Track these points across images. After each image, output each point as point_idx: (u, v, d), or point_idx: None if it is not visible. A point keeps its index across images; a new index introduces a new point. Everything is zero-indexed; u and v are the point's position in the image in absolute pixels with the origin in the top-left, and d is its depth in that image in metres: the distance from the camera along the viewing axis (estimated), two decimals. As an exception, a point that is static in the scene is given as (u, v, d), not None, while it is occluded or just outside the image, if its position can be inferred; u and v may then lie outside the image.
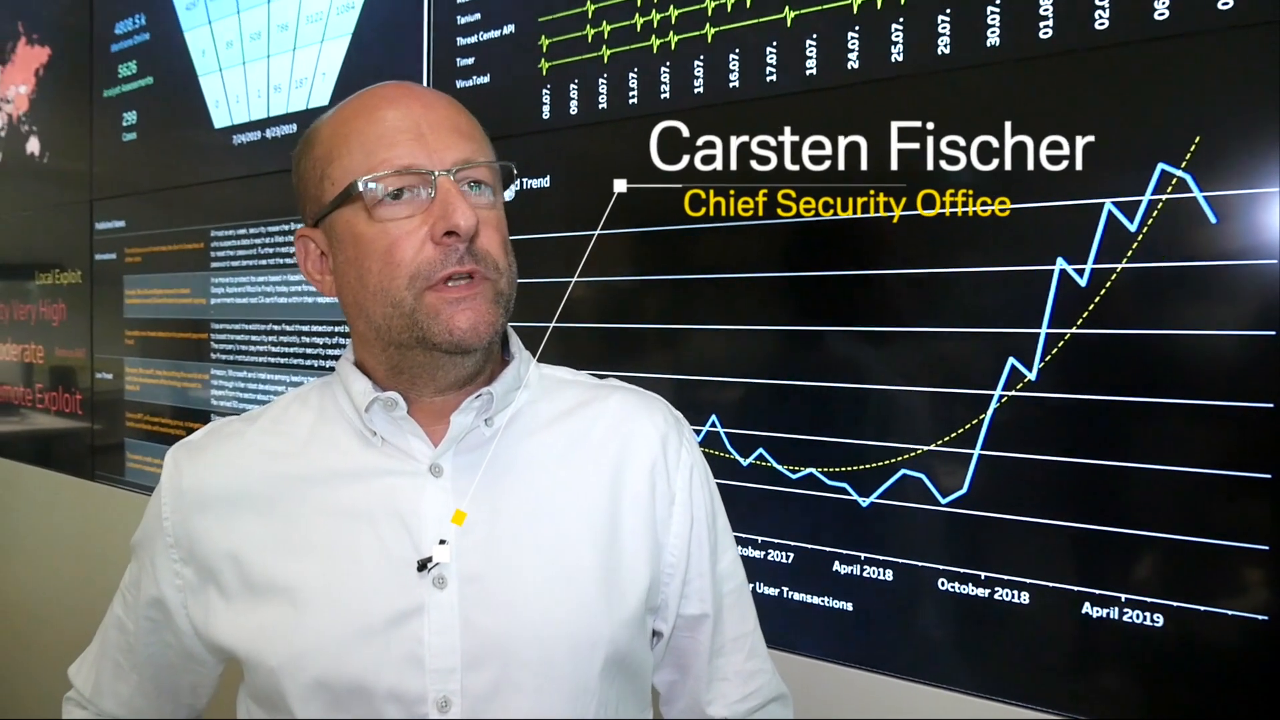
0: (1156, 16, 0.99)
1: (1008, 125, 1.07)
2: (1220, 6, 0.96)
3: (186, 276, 2.14)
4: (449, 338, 0.73)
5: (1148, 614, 0.99)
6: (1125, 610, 1.00)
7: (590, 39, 1.43)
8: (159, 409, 2.23)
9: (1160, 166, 0.98)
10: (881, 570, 1.18)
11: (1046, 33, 1.05)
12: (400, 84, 0.78)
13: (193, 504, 0.81)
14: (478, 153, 0.76)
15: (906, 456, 1.15)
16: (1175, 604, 0.98)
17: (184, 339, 2.15)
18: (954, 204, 1.11)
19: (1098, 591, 1.02)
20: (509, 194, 0.78)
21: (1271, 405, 0.92)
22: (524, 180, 1.51)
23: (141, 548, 0.86)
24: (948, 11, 1.11)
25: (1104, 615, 1.02)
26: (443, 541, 0.75)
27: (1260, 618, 0.93)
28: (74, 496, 2.46)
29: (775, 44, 1.25)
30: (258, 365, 1.98)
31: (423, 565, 0.74)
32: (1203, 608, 0.96)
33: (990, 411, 1.09)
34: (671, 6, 1.34)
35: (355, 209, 0.74)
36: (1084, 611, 1.03)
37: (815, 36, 1.22)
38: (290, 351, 1.91)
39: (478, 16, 1.58)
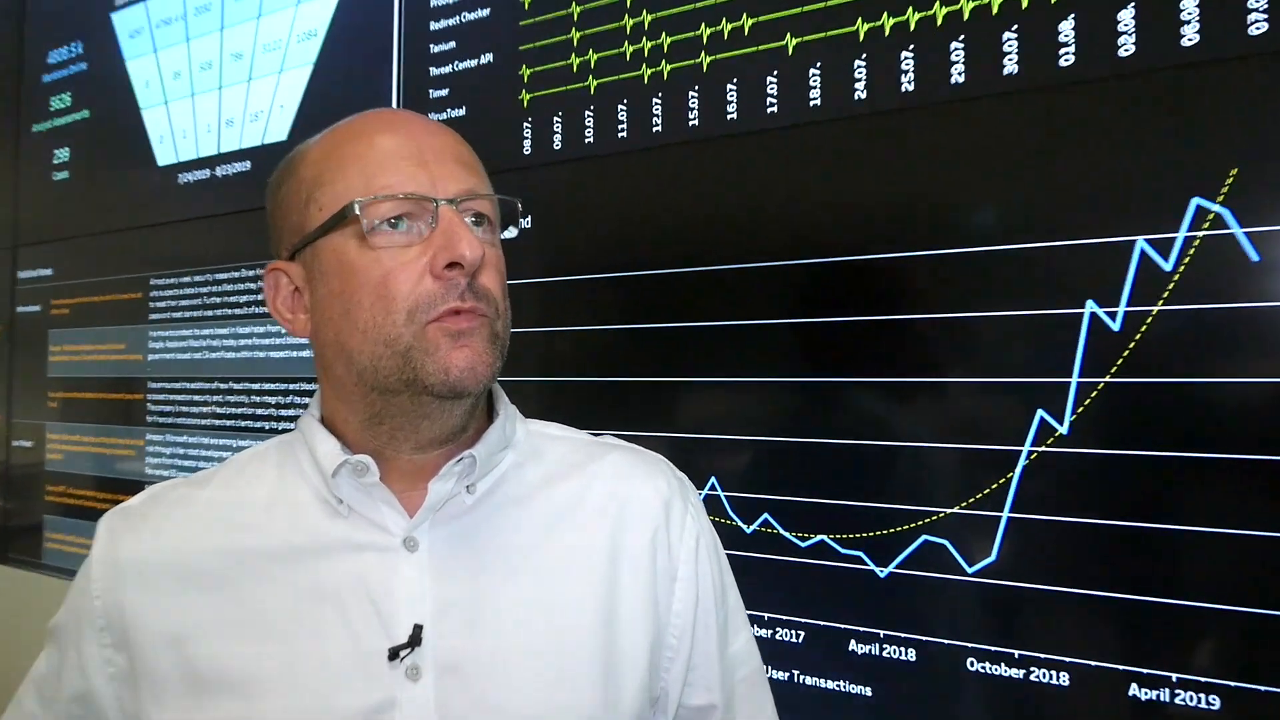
0: (1185, 43, 1.03)
1: (1028, 158, 1.11)
2: (1252, 31, 1.00)
3: (121, 330, 2.12)
4: (444, 378, 0.72)
5: (1202, 695, 0.99)
6: (1177, 692, 1.00)
7: (576, 68, 1.46)
8: (84, 481, 2.19)
9: (1195, 201, 1.00)
10: (903, 649, 1.17)
11: (1068, 60, 1.09)
12: (398, 110, 0.79)
13: (130, 579, 0.78)
14: (480, 185, 0.78)
15: (927, 521, 1.15)
16: (1232, 684, 0.97)
17: (116, 400, 2.13)
18: (974, 243, 1.14)
19: (1146, 671, 1.01)
20: (511, 232, 0.79)
21: (1328, 459, 0.94)
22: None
23: (64, 632, 0.82)
24: (961, 39, 1.15)
25: (1153, 698, 1.01)
26: (418, 626, 0.74)
27: (1326, 697, 0.94)
28: (-17, 581, 2.42)
29: (776, 73, 1.29)
30: (200, 429, 1.96)
31: (395, 654, 0.73)
32: (1263, 688, 0.96)
33: (1019, 470, 1.09)
34: (663, 34, 1.38)
35: (346, 236, 0.74)
36: (1131, 694, 1.02)
37: (819, 65, 1.25)
38: (238, 413, 1.89)
39: (453, 45, 1.61)
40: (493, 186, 0.80)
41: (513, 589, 0.77)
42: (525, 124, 1.51)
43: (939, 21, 1.17)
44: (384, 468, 0.77)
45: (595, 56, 1.44)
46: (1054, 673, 1.07)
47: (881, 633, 1.19)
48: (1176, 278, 1.01)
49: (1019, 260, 1.10)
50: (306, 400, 1.82)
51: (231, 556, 0.78)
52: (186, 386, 1.99)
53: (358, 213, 0.73)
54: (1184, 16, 1.03)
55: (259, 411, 1.86)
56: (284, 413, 1.83)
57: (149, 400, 2.05)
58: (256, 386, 1.87)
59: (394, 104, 1.69)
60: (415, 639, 0.73)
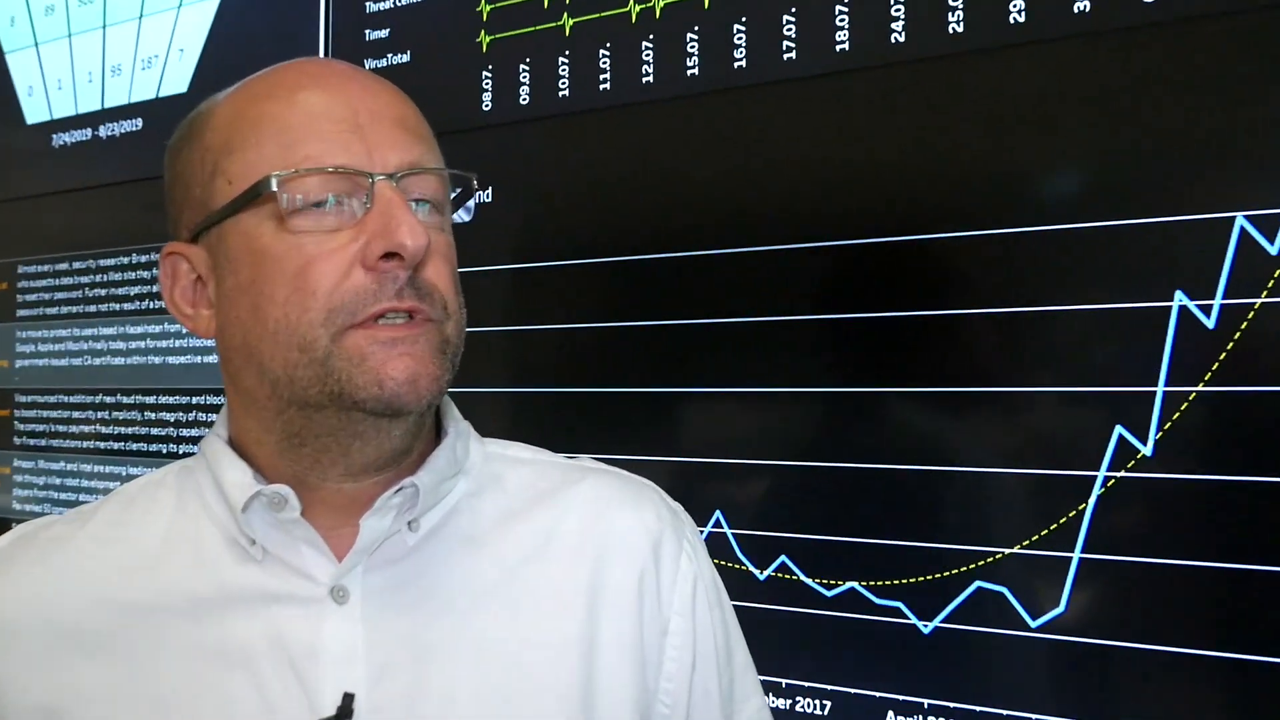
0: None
1: (1103, 117, 1.12)
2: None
3: (-22, 330, 2.14)
4: (378, 392, 0.71)
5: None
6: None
7: (547, 4, 1.46)
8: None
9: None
10: (953, 722, 1.19)
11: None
12: (326, 60, 0.77)
13: None
14: (427, 156, 0.77)
15: (982, 564, 1.16)
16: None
17: (-28, 417, 2.14)
18: (1035, 220, 1.15)
19: (1251, 745, 1.04)
20: (464, 214, 0.79)
21: None
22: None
23: None
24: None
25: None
26: (349, 696, 0.73)
27: None
28: None
29: (794, 11, 1.29)
30: (81, 453, 1.94)
31: (320, 730, 0.73)
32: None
33: (1093, 499, 1.11)
34: (655, -38, 1.40)
35: (260, 216, 0.74)
36: (1233, 774, 1.05)
37: (847, 2, 1.26)
38: (128, 433, 1.88)
39: (394, -25, 1.63)
40: (444, 157, 0.80)
41: (467, 646, 0.77)
42: (485, 73, 1.51)
43: (992, -52, 1.18)
44: (307, 500, 0.76)
45: (572, -10, 1.46)
46: (1138, 750, 1.09)
47: (926, 702, 1.19)
48: (1285, 263, 1.03)
49: (1091, 242, 1.12)
50: (212, 418, 1.81)
51: (118, 611, 0.77)
52: (63, 400, 1.97)
53: (274, 189, 0.72)
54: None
55: (154, 431, 1.85)
56: (185, 432, 1.82)
57: (16, 418, 2.04)
58: (151, 400, 1.86)
59: (321, 51, 1.69)
60: (345, 711, 0.73)
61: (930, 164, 1.21)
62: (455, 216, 0.84)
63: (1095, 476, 1.11)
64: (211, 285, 0.78)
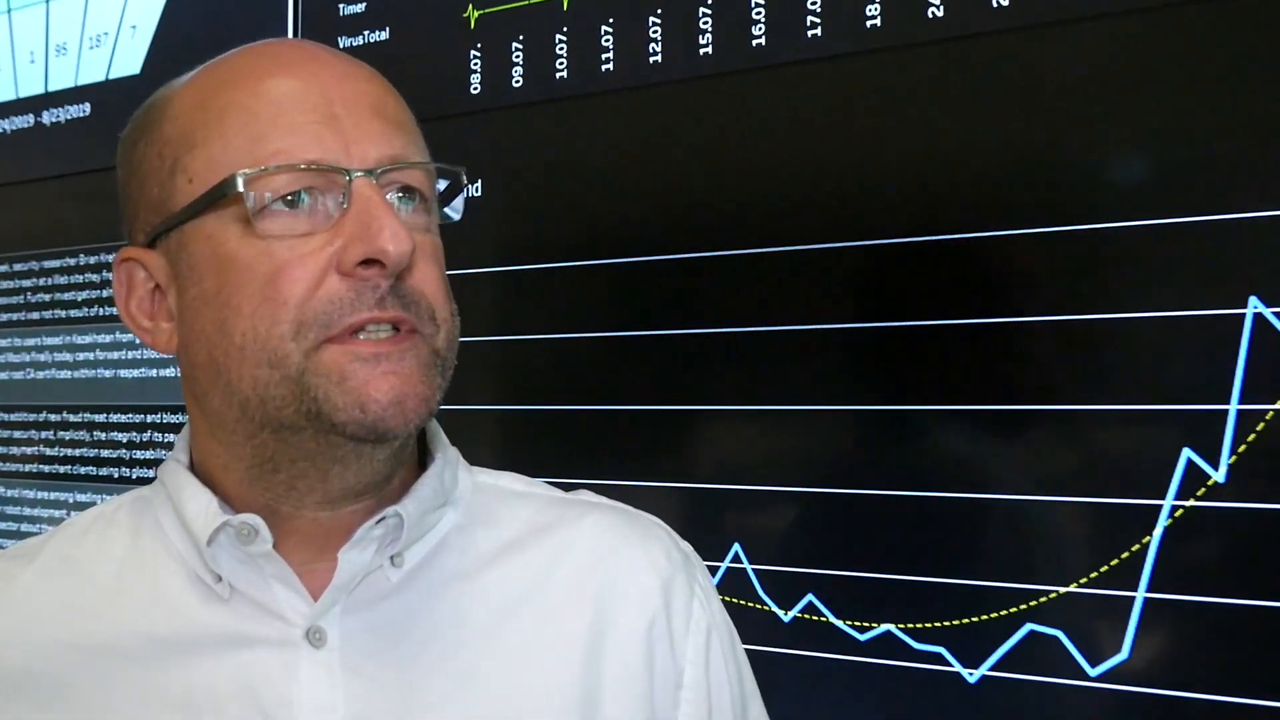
0: None
1: (1169, 97, 1.10)
2: None
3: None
4: (360, 415, 0.71)
5: None
6: None
7: (543, -25, 1.46)
8: None
9: None
10: (1003, 784, 1.16)
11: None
12: (296, 41, 0.77)
13: None
14: (411, 149, 0.77)
15: (1034, 604, 1.15)
16: None
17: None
18: (1091, 217, 1.13)
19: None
20: (453, 214, 0.79)
21: None
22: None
23: None
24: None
25: None
26: None
27: None
28: None
29: (820, -18, 1.28)
30: (22, 479, 1.93)
31: (294, 788, 0.72)
32: None
33: (1158, 532, 1.09)
34: (664, -74, 1.37)
35: (225, 219, 0.73)
36: None
37: (880, -27, 1.24)
38: (75, 455, 1.87)
39: (370, -58, 1.61)
40: (429, 149, 0.80)
41: (456, 696, 0.77)
42: (473, 52, 1.49)
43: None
44: (278, 531, 0.76)
45: (571, -42, 1.44)
46: (1215, 817, 1.05)
47: (973, 761, 1.17)
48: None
49: (1155, 241, 1.10)
50: (170, 438, 1.79)
51: (69, 654, 0.77)
52: (2, 419, 1.97)
53: (240, 189, 0.72)
54: None
55: (104, 454, 1.84)
56: (139, 454, 1.81)
57: (-54, 438, 2.04)
58: (101, 418, 1.85)
59: (290, 28, 1.67)
60: None
61: (974, 154, 1.20)
62: (445, 213, 0.83)
63: (1161, 506, 1.10)
64: (172, 295, 0.78)
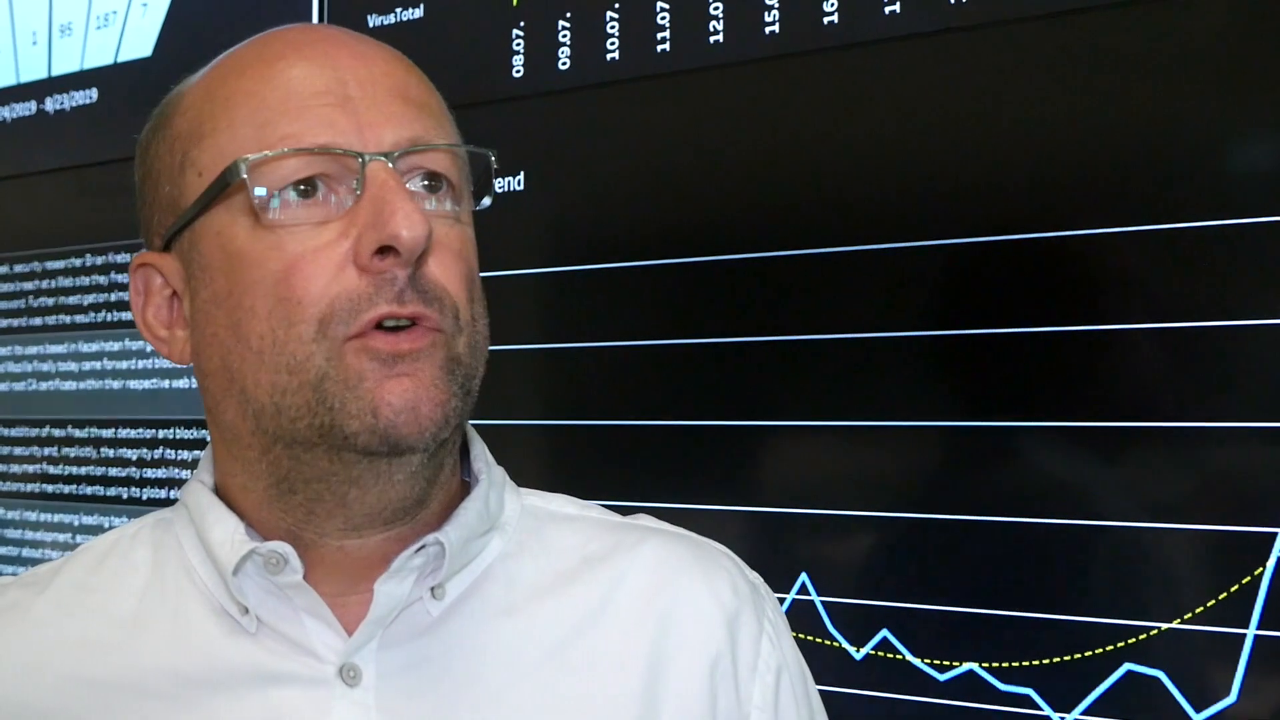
0: None
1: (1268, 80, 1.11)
2: None
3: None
4: (371, 421, 0.73)
5: None
6: None
7: (592, -52, 1.45)
8: None
9: None
10: (1101, 845, 1.14)
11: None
12: (317, 26, 0.76)
13: None
14: (433, 131, 0.78)
15: (1133, 641, 1.16)
16: None
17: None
18: (1211, 212, 1.15)
19: None
20: (485, 201, 0.81)
21: None
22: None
23: None
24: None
25: None
26: None
27: None
28: None
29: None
30: (24, 499, 1.96)
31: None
32: None
33: (1272, 562, 1.11)
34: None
35: (233, 212, 0.76)
36: None
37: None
38: (81, 474, 1.89)
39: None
40: (467, 127, 0.81)
41: None
42: (516, 32, 1.52)
43: None
44: (306, 560, 0.78)
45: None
46: None
47: (1066, 817, 1.15)
48: None
49: (1272, 236, 1.11)
50: (185, 456, 1.82)
51: (84, 691, 0.79)
52: (3, 434, 2.01)
53: (244, 176, 0.74)
54: None
55: (112, 473, 1.86)
56: (149, 473, 1.83)
57: (-59, 456, 2.05)
58: (108, 433, 1.87)
59: (315, 5, 1.68)
60: None
61: (1074, 139, 1.21)
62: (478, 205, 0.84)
63: (1276, 534, 1.11)
64: (187, 301, 0.80)
